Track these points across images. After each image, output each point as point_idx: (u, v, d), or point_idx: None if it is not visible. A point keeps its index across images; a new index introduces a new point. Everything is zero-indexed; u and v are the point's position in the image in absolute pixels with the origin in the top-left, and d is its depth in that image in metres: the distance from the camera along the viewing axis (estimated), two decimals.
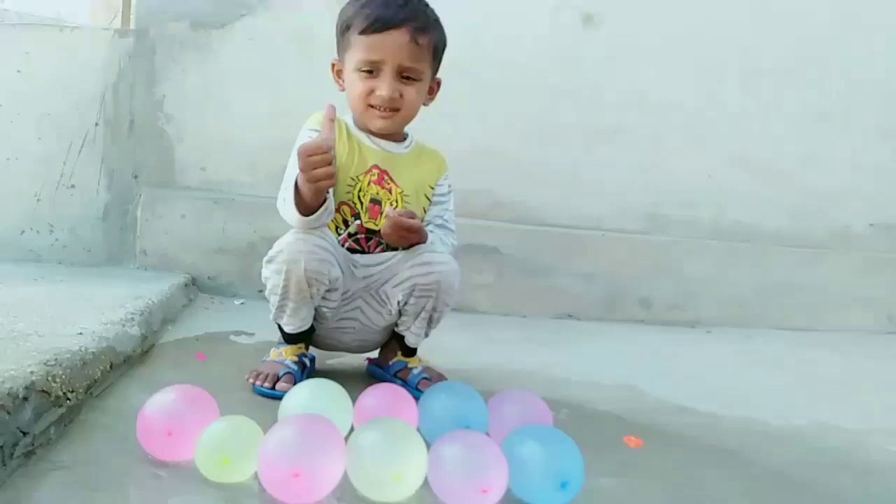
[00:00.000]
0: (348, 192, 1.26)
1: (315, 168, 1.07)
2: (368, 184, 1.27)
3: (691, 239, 2.24)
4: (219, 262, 2.01)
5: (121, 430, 0.95)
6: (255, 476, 0.82)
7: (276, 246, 1.18)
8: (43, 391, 0.89)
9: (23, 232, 1.96)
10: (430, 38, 1.23)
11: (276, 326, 1.28)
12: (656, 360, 1.74)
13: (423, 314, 1.25)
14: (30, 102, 1.95)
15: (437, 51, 1.26)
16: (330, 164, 1.07)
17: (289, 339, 1.27)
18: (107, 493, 0.78)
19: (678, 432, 1.19)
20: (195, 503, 0.79)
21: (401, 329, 1.29)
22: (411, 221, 1.16)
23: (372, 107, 1.23)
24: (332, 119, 1.13)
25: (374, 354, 1.39)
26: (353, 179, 1.26)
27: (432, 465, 0.82)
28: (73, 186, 1.97)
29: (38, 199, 1.96)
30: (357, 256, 1.25)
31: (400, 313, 1.27)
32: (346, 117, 1.32)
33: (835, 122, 2.29)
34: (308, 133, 1.27)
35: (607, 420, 1.23)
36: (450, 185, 1.37)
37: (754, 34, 2.23)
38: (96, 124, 1.98)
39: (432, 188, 1.35)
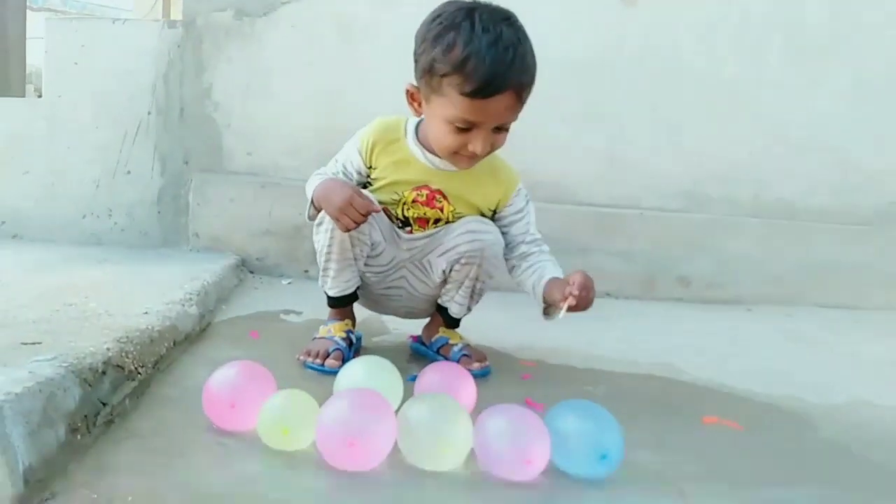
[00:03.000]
0: (392, 205, 1.28)
1: (345, 216, 1.14)
2: (413, 201, 1.27)
3: (731, 216, 2.23)
4: (266, 243, 2.09)
5: (186, 403, 1.03)
6: (313, 444, 0.89)
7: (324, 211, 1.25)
8: (118, 366, 0.97)
9: (84, 216, 2.07)
10: (530, 86, 1.16)
11: (325, 298, 1.35)
12: (694, 337, 1.76)
13: (467, 283, 1.29)
14: (87, 92, 2.05)
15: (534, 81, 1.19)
16: (357, 224, 1.15)
17: (333, 303, 1.34)
18: (179, 458, 0.86)
19: (714, 410, 1.22)
20: (257, 468, 0.86)
21: (444, 300, 1.34)
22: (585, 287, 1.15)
23: (458, 153, 1.19)
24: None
25: (418, 331, 1.45)
26: (397, 194, 1.27)
27: (478, 437, 0.87)
28: (129, 173, 2.07)
29: (98, 186, 2.07)
30: (401, 232, 1.30)
31: (445, 282, 1.31)
32: (410, 124, 1.29)
33: (881, 94, 2.23)
34: (353, 151, 1.31)
35: (644, 396, 1.27)
36: (527, 197, 1.34)
37: (798, 3, 2.19)
38: (149, 113, 2.07)
39: (493, 210, 1.31)
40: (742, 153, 2.22)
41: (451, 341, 1.37)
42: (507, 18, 1.14)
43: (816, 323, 2.01)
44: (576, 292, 1.11)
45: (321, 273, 1.31)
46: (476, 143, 1.15)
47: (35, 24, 2.34)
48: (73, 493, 0.75)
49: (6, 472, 0.69)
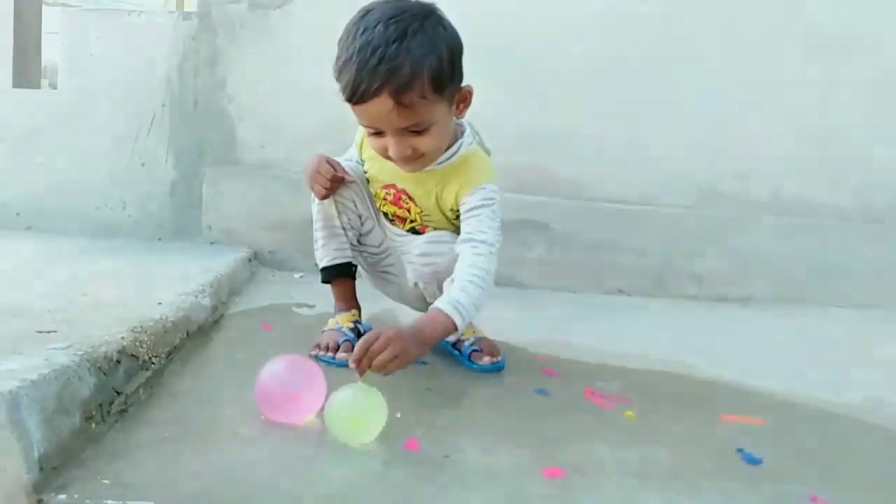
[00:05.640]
0: (374, 197, 1.33)
1: (315, 183, 1.24)
2: (384, 198, 1.30)
3: (747, 214, 2.21)
4: (279, 237, 2.09)
5: (200, 393, 1.04)
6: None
7: None
8: (132, 355, 0.97)
9: (97, 208, 2.08)
10: (419, 87, 1.05)
11: (320, 277, 1.37)
12: (708, 336, 1.74)
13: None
14: (102, 84, 2.05)
15: (441, 81, 1.08)
16: (326, 191, 1.23)
17: (325, 277, 1.35)
18: (194, 447, 0.86)
19: (731, 407, 1.20)
20: (272, 457, 0.86)
21: None
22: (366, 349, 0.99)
23: (389, 157, 1.15)
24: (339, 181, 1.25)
25: None
26: (373, 189, 1.32)
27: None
28: (143, 165, 2.08)
29: (112, 178, 2.07)
30: (385, 221, 1.34)
31: None
32: None
33: None
34: (354, 143, 1.35)
35: (658, 393, 1.25)
36: (489, 200, 1.20)
37: None
38: (163, 105, 2.07)
39: (455, 211, 1.25)
40: (759, 150, 2.20)
41: (463, 337, 1.35)
42: (397, 15, 1.05)
43: (831, 322, 1.99)
44: (351, 361, 0.97)
45: (315, 248, 1.35)
46: (390, 147, 1.12)
47: (50, 18, 2.35)
48: (88, 481, 0.75)
49: (22, 458, 0.69)
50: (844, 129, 2.20)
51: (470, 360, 1.30)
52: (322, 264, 1.34)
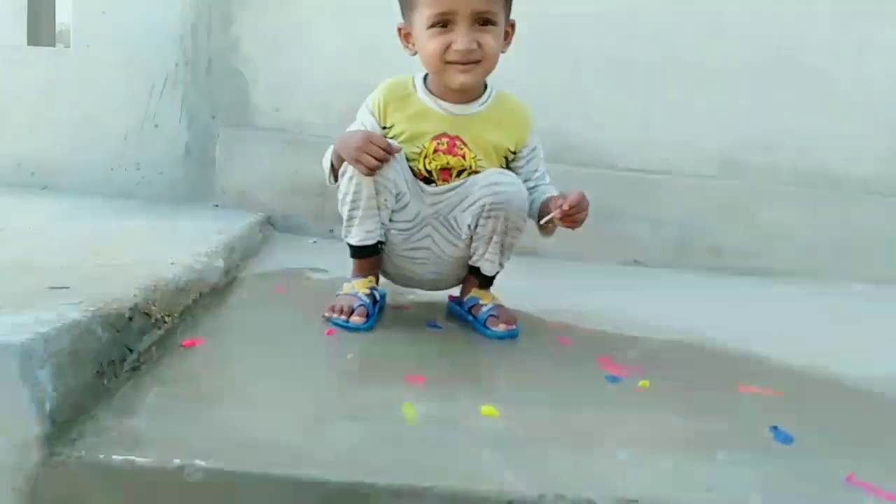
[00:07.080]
0: (413, 160, 1.28)
1: (365, 154, 1.15)
2: (435, 151, 1.27)
3: (769, 185, 2.16)
4: (292, 201, 2.07)
5: (213, 353, 1.03)
6: None
7: None
8: (145, 313, 0.97)
9: (112, 169, 2.07)
10: None
11: (349, 253, 1.33)
12: (726, 307, 1.72)
13: (495, 238, 1.26)
14: (114, 43, 2.03)
15: None
16: (380, 164, 1.17)
17: (355, 253, 1.32)
18: (204, 406, 0.86)
19: (749, 378, 1.18)
20: (277, 415, 0.85)
21: (475, 260, 1.31)
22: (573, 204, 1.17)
23: (450, 63, 1.19)
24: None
25: (455, 292, 1.42)
26: (417, 147, 1.27)
27: None
28: (156, 126, 2.06)
29: (125, 138, 2.06)
30: (425, 185, 1.29)
31: (472, 239, 1.29)
32: (417, 78, 1.30)
33: None
34: (366, 114, 1.30)
35: (676, 362, 1.24)
36: (538, 140, 1.35)
37: None
38: (176, 65, 2.04)
39: (513, 152, 1.32)
40: (783, 118, 2.14)
41: (481, 301, 1.34)
42: None
43: (852, 296, 1.96)
44: (566, 207, 1.15)
45: (345, 223, 1.29)
46: (458, 39, 1.16)
47: None
48: (99, 436, 0.75)
49: (33, 410, 0.69)
50: (871, 96, 2.13)
51: (485, 326, 1.29)
52: (354, 242, 1.30)
